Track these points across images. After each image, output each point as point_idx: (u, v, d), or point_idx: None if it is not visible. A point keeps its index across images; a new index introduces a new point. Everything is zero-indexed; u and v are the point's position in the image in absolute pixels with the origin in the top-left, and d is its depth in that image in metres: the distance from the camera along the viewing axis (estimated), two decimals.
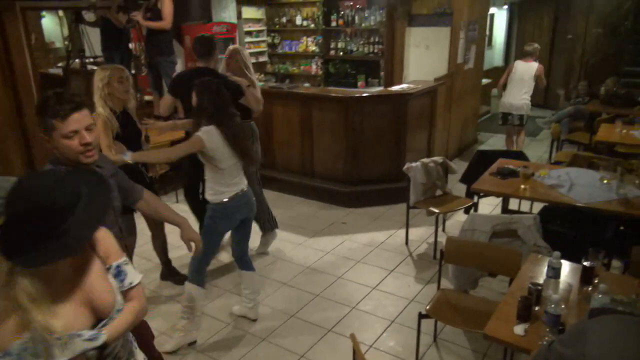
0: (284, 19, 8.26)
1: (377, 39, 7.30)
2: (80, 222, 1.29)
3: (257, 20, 8.30)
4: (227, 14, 7.38)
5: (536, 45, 6.60)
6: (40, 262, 1.25)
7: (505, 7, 10.07)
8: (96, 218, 1.38)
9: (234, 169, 3.11)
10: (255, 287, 3.50)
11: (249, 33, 8.13)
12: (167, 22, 5.41)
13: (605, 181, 3.65)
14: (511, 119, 6.64)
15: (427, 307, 2.85)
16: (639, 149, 5.08)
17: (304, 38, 8.14)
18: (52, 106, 1.72)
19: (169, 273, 4.03)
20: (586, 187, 3.64)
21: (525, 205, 4.90)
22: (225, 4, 7.36)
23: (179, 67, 6.14)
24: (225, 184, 3.09)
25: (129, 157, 2.88)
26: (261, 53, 8.39)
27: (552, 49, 10.44)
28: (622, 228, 3.91)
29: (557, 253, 2.30)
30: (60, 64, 7.22)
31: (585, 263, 2.35)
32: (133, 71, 6.21)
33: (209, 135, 2.94)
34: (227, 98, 3.05)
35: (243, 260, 3.44)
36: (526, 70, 6.40)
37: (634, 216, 3.30)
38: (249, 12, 8.04)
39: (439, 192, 4.64)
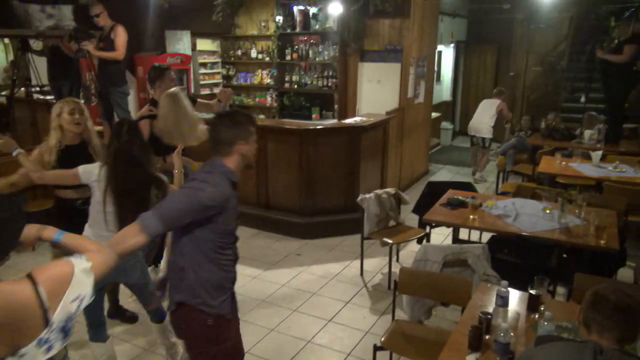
0: (239, 52, 8.34)
1: (331, 73, 7.47)
2: None
3: (212, 52, 8.33)
4: (181, 45, 7.39)
5: (501, 88, 7.98)
6: None
7: (452, 45, 10.57)
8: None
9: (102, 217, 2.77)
10: (169, 341, 3.17)
11: (204, 64, 8.14)
12: (119, 52, 5.34)
13: (547, 211, 3.82)
14: (476, 141, 7.74)
15: (382, 339, 2.85)
16: (578, 180, 5.38)
17: (259, 70, 8.23)
18: None
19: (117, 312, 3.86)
20: (530, 216, 3.80)
21: (475, 235, 5.05)
22: (180, 35, 7.37)
23: (131, 98, 6.05)
24: (92, 234, 2.80)
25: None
26: (216, 84, 8.40)
27: (496, 85, 11.00)
28: (565, 256, 4.10)
29: (504, 282, 2.38)
30: (4, 93, 6.96)
31: (531, 291, 2.44)
32: (82, 101, 6.07)
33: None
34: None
35: (151, 311, 3.11)
36: (490, 104, 7.60)
37: (575, 244, 3.46)
38: (203, 44, 8.07)
39: (392, 223, 4.72)
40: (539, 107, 8.42)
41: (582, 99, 7.40)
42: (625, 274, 4.14)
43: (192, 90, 7.64)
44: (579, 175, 5.21)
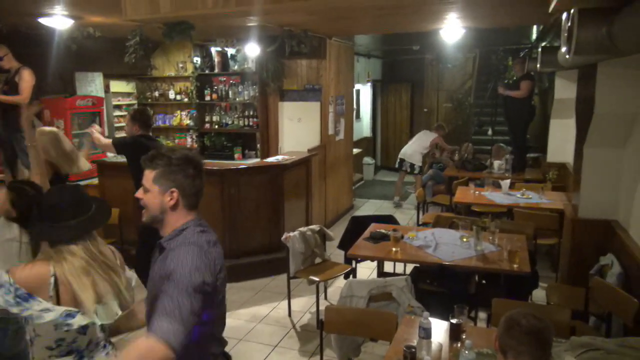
0: (156, 93, 8.13)
1: (252, 112, 7.47)
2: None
3: (127, 94, 8.07)
4: (93, 87, 7.10)
5: (441, 123, 8.71)
6: None
7: (369, 83, 11.03)
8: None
9: None
10: None
11: (118, 106, 7.85)
12: (24, 96, 5.00)
13: (464, 239, 3.97)
14: (404, 166, 8.15)
15: None
16: (491, 208, 5.68)
17: (178, 112, 8.06)
18: None
19: None
20: (449, 246, 3.92)
21: (400, 267, 5.12)
22: (92, 77, 7.09)
23: None
24: None
25: None
26: (125, 127, 8.09)
27: (412, 120, 11.58)
28: (484, 282, 4.26)
29: (426, 313, 2.40)
30: None
31: (452, 320, 2.47)
32: None
33: None
34: None
35: None
36: (427, 136, 8.25)
37: (491, 270, 3.60)
38: (117, 85, 7.80)
39: (318, 260, 4.68)
40: (451, 140, 8.91)
41: (489, 132, 7.93)
42: (539, 294, 4.36)
43: (107, 133, 7.31)
44: (491, 204, 5.50)
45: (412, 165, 8.12)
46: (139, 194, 1.81)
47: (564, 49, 2.62)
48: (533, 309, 3.12)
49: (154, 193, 1.77)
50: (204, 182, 1.86)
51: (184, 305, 1.61)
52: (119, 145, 4.44)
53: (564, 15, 2.55)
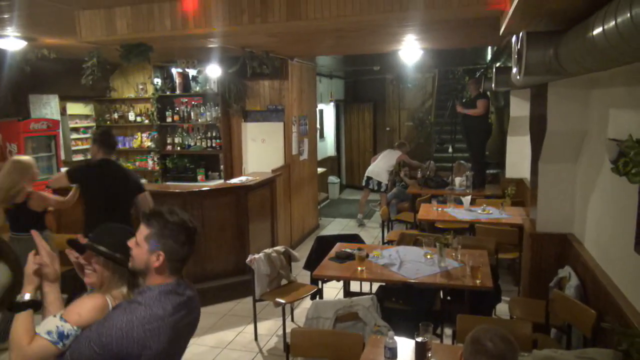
0: (115, 115, 7.96)
1: (215, 134, 7.40)
2: None
3: (85, 116, 7.87)
4: (48, 110, 6.89)
5: (403, 141, 8.82)
6: None
7: (332, 103, 11.14)
8: None
9: None
10: None
11: (76, 129, 7.63)
12: None
13: (428, 256, 4.01)
14: (371, 184, 8.18)
15: None
16: (454, 224, 5.78)
17: (139, 134, 7.90)
18: None
19: None
20: (414, 263, 3.95)
21: (366, 286, 5.12)
22: (47, 100, 6.89)
23: None
24: None
25: None
26: (90, 150, 7.87)
27: (375, 139, 11.74)
28: (449, 298, 4.30)
29: (391, 333, 2.39)
30: None
31: (417, 339, 2.47)
32: None
33: None
34: None
35: None
36: (392, 155, 8.29)
37: (455, 286, 3.64)
38: (74, 107, 7.61)
39: (284, 282, 4.62)
40: (414, 158, 9.07)
41: (450, 150, 8.11)
42: (502, 308, 4.43)
43: (63, 157, 7.09)
44: (454, 220, 5.60)
45: (379, 184, 8.19)
46: (131, 243, 1.82)
47: (514, 70, 2.72)
48: (497, 325, 3.17)
49: (142, 250, 1.79)
50: (194, 249, 1.87)
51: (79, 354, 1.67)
52: (74, 174, 4.14)
53: (514, 38, 2.65)
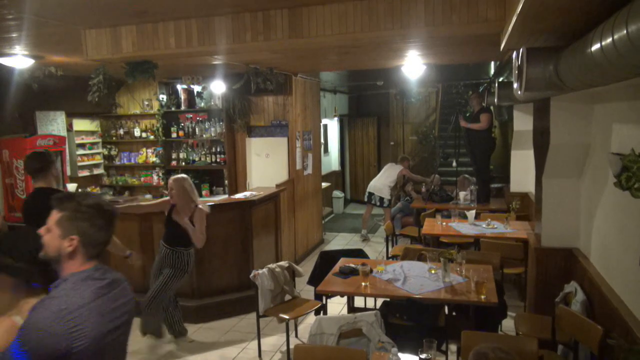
0: (121, 131, 8.04)
1: (219, 149, 7.44)
2: None
3: (91, 133, 7.94)
4: (55, 126, 6.97)
5: (404, 155, 8.88)
6: None
7: (336, 118, 11.20)
8: None
9: None
10: None
11: (82, 145, 7.70)
12: None
13: (433, 271, 3.99)
14: (373, 199, 8.14)
15: None
16: (459, 239, 5.75)
17: (144, 149, 7.96)
18: None
19: None
20: (418, 278, 3.93)
21: (370, 302, 5.09)
22: (53, 116, 6.97)
23: None
24: None
25: None
26: (96, 165, 7.94)
27: (379, 153, 11.76)
28: (454, 313, 4.27)
29: (395, 350, 2.37)
30: None
31: (421, 356, 2.45)
32: None
33: None
34: None
35: None
36: (393, 169, 8.30)
37: (460, 302, 3.61)
38: (81, 124, 7.69)
39: (288, 297, 4.60)
40: (418, 173, 9.06)
41: (454, 164, 8.09)
42: (508, 324, 4.39)
43: (69, 172, 7.14)
44: (458, 235, 5.57)
45: (381, 199, 8.16)
46: (42, 230, 1.72)
47: (515, 85, 2.74)
48: (502, 341, 3.14)
49: (54, 235, 1.69)
50: (111, 235, 1.78)
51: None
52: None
53: (514, 54, 2.67)
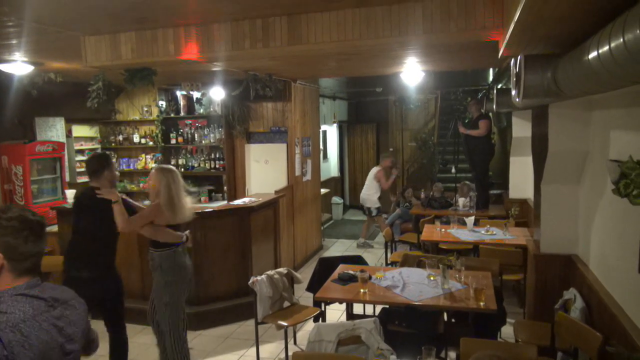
0: (120, 137, 8.04)
1: (218, 155, 7.45)
2: None
3: (90, 139, 7.95)
4: (54, 132, 6.98)
5: (384, 154, 8.89)
6: None
7: (335, 124, 11.21)
8: None
9: None
10: None
11: (81, 151, 7.70)
12: None
13: (432, 278, 3.98)
14: (365, 210, 8.22)
15: None
16: (458, 245, 5.75)
17: (143, 155, 7.96)
18: None
19: None
20: (417, 285, 3.92)
21: (369, 308, 5.07)
22: (53, 122, 6.98)
23: None
24: None
25: None
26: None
27: (378, 159, 11.74)
28: (453, 320, 4.26)
29: (393, 357, 2.37)
30: None
31: None
32: None
33: None
34: None
35: None
36: (372, 174, 8.21)
37: (459, 309, 3.60)
38: (80, 130, 7.69)
39: (287, 304, 4.59)
40: (417, 178, 9.08)
41: (453, 170, 8.10)
42: (507, 331, 4.37)
43: (68, 179, 7.14)
44: (457, 241, 5.57)
45: (369, 209, 8.12)
46: None
47: (514, 93, 2.75)
48: (501, 348, 3.13)
49: None
50: (43, 246, 1.69)
51: None
52: None
53: (512, 61, 2.68)
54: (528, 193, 6.07)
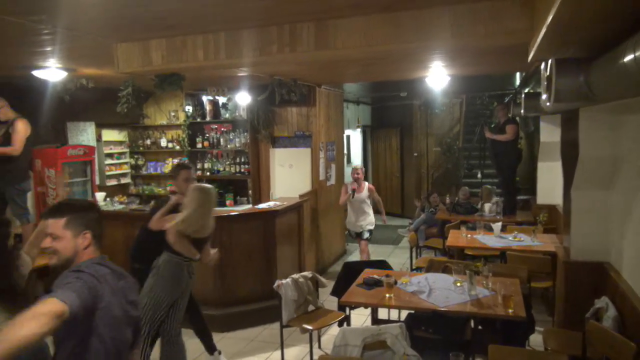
0: (148, 141, 8.20)
1: (243, 159, 7.52)
2: None
3: (119, 143, 8.12)
4: (85, 137, 7.16)
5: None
6: None
7: (359, 129, 11.20)
8: None
9: None
10: None
11: (110, 155, 7.88)
12: (14, 148, 5.02)
13: (458, 284, 3.94)
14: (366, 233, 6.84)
15: None
16: (484, 251, 5.67)
17: (170, 159, 8.10)
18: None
19: None
20: (443, 290, 3.88)
21: (394, 313, 5.04)
22: (84, 127, 7.16)
23: (30, 193, 5.64)
24: None
25: None
26: (124, 175, 8.11)
27: (402, 165, 11.70)
28: (480, 327, 4.20)
29: None
30: None
31: None
32: None
33: None
34: None
35: None
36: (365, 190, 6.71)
37: (486, 315, 3.55)
38: (110, 134, 7.87)
39: (311, 308, 4.60)
40: (442, 184, 8.99)
41: (479, 175, 8.00)
42: (536, 339, 4.29)
43: (98, 182, 7.31)
44: (484, 247, 5.49)
45: (370, 231, 6.77)
46: (46, 243, 1.93)
47: (544, 97, 2.71)
48: (531, 357, 3.08)
49: (66, 238, 1.92)
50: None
51: (73, 285, 1.74)
52: None
53: (543, 65, 2.65)
54: (557, 199, 5.94)
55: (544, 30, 2.07)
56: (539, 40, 2.32)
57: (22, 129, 5.08)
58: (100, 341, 1.83)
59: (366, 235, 6.73)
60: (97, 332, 1.82)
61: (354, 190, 6.54)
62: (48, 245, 1.93)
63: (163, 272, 3.70)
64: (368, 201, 6.72)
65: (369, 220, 6.77)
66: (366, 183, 6.75)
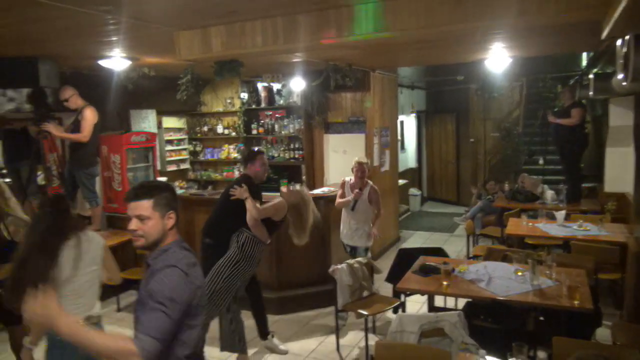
0: (205, 128, 8.42)
1: (297, 145, 7.58)
2: None
3: (178, 129, 8.38)
4: (146, 124, 7.43)
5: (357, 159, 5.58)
6: None
7: (413, 114, 10.99)
8: None
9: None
10: None
11: (170, 142, 8.15)
12: (83, 135, 5.31)
13: (519, 273, 3.81)
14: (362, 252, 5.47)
15: None
16: (546, 241, 5.44)
17: (226, 145, 8.28)
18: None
19: None
20: (503, 280, 3.77)
21: (450, 301, 4.96)
22: (145, 114, 7.43)
23: (98, 178, 5.95)
24: None
25: None
26: (183, 160, 8.38)
27: (458, 151, 11.40)
28: (541, 318, 4.05)
29: (482, 352, 2.30)
30: None
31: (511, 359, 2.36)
32: (43, 182, 5.91)
33: None
34: None
35: None
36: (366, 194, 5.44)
37: (550, 306, 3.42)
38: (169, 121, 8.13)
39: (366, 293, 4.60)
40: (500, 170, 8.68)
41: (541, 161, 7.66)
42: (603, 333, 4.09)
43: (159, 167, 7.58)
44: (546, 236, 5.28)
45: (366, 249, 5.28)
46: (134, 225, 1.96)
47: (620, 76, 2.54)
48: (600, 350, 2.94)
49: (154, 220, 1.97)
50: None
51: (161, 323, 1.81)
52: None
53: (619, 42, 2.48)
54: (627, 187, 5.60)
55: (624, 3, 1.93)
56: (616, 14, 2.17)
57: (90, 117, 5.35)
58: (187, 328, 1.96)
59: (362, 254, 5.13)
60: (184, 323, 1.93)
61: (356, 201, 5.15)
62: (135, 228, 1.96)
63: (245, 248, 4.00)
64: (370, 207, 5.28)
65: (368, 233, 5.25)
66: (369, 183, 5.36)
